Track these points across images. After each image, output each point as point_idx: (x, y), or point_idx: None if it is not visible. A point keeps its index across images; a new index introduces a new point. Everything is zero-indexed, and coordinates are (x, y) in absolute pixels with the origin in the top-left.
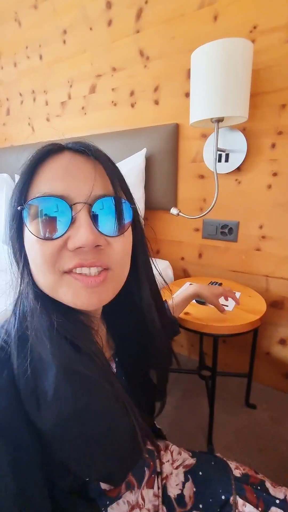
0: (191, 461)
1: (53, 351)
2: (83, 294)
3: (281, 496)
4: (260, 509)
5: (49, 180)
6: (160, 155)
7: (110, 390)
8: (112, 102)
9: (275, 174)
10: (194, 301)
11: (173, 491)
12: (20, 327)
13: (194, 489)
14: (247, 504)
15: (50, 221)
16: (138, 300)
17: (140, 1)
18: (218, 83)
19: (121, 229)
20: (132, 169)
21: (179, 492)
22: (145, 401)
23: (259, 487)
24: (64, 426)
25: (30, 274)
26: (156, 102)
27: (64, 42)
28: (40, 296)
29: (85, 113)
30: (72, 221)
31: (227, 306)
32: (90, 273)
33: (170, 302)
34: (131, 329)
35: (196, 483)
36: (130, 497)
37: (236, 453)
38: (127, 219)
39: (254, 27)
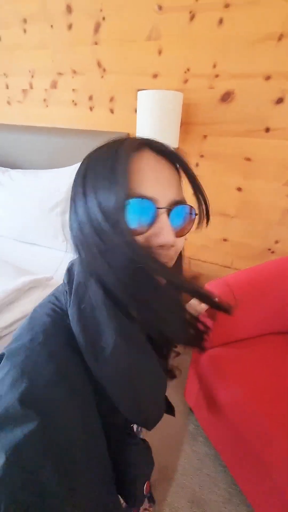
0: None
1: (110, 320)
2: None
3: None
4: None
5: (140, 182)
6: None
7: (152, 351)
8: (73, 101)
9: None
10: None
11: None
12: (76, 298)
13: None
14: None
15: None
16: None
17: (98, 16)
18: (155, 120)
19: (186, 233)
20: None
21: None
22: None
23: None
24: (120, 376)
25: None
26: (112, 111)
27: (25, 31)
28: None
29: (47, 106)
30: (153, 222)
31: None
32: None
33: None
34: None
35: None
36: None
37: None
38: (192, 224)
39: (188, 69)
